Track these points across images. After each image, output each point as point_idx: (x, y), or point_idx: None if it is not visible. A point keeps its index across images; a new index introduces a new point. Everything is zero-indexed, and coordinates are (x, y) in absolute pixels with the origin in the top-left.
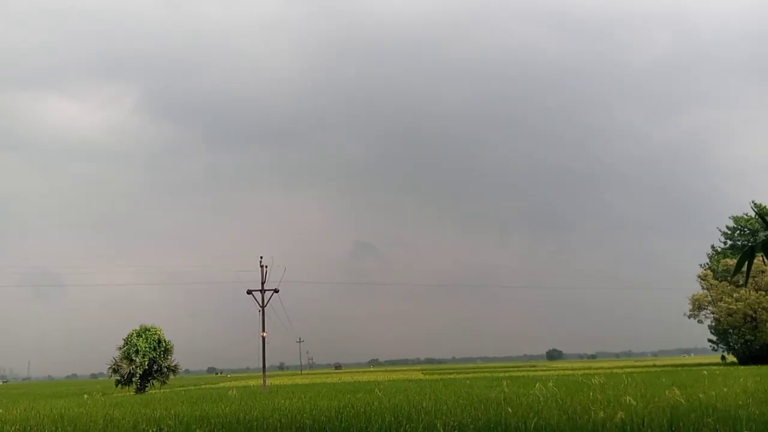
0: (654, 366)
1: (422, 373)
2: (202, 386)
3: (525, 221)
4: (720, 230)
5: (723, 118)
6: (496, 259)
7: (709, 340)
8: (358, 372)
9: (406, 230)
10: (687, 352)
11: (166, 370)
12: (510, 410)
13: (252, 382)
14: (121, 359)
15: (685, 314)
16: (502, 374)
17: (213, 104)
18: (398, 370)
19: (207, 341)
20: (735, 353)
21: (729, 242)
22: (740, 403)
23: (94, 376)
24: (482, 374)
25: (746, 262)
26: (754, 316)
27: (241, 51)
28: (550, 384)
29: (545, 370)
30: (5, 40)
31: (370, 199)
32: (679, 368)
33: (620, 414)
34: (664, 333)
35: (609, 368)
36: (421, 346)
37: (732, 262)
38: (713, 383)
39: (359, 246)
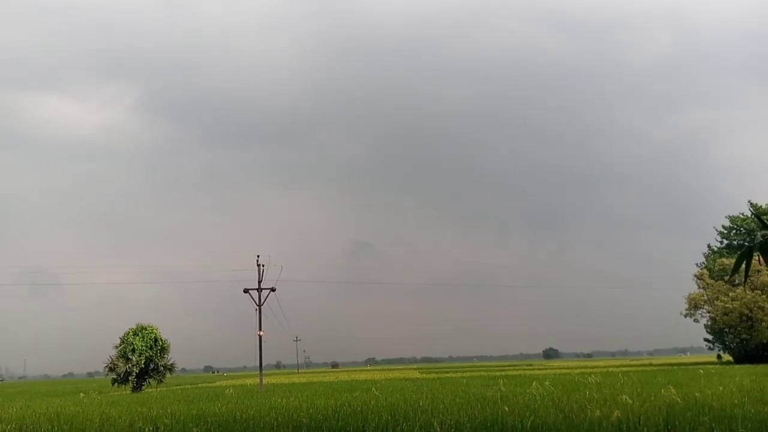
0: (650, 365)
1: (419, 371)
2: (199, 385)
3: (523, 221)
4: (716, 230)
5: (723, 118)
6: (493, 259)
7: (705, 339)
8: (355, 371)
9: (405, 230)
10: (683, 351)
11: (162, 368)
12: (506, 409)
13: (249, 381)
14: (117, 358)
15: (681, 313)
16: (498, 373)
17: (212, 104)
18: (395, 369)
19: (204, 340)
20: (731, 352)
21: (725, 242)
22: (736, 401)
23: (90, 374)
24: (479, 373)
25: (744, 262)
26: (749, 315)
27: (240, 50)
28: (547, 383)
29: (542, 369)
30: (4, 39)
31: (370, 198)
32: (675, 367)
33: (616, 413)
34: (660, 332)
35: (605, 367)
36: (417, 344)
37: (728, 261)
38: (709, 382)
39: (357, 245)
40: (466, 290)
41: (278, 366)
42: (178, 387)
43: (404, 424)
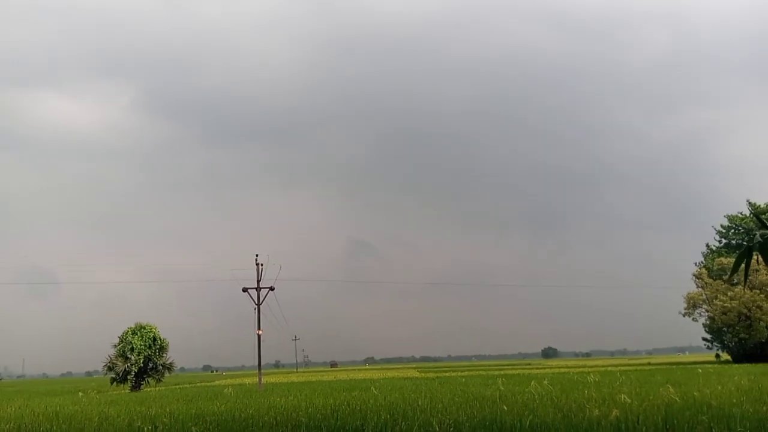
0: (649, 364)
1: (418, 371)
2: (198, 384)
3: (523, 221)
4: (715, 229)
5: (723, 118)
6: (492, 259)
7: (704, 339)
8: (354, 370)
9: (404, 229)
10: (681, 350)
11: (161, 367)
12: (505, 408)
13: (247, 380)
14: (116, 357)
15: (679, 312)
16: (497, 372)
17: (212, 103)
18: (394, 368)
19: (202, 339)
20: (729, 351)
21: (724, 241)
22: (734, 401)
23: (89, 373)
24: (477, 372)
25: (744, 262)
26: (748, 314)
27: (240, 50)
28: (545, 382)
29: (540, 368)
30: (3, 38)
31: (369, 198)
32: (674, 366)
33: (615, 412)
34: (658, 331)
35: (604, 366)
36: (416, 344)
37: (726, 260)
38: (707, 381)
39: (356, 245)
40: (465, 290)
41: (277, 365)
42: (176, 386)
43: (403, 423)
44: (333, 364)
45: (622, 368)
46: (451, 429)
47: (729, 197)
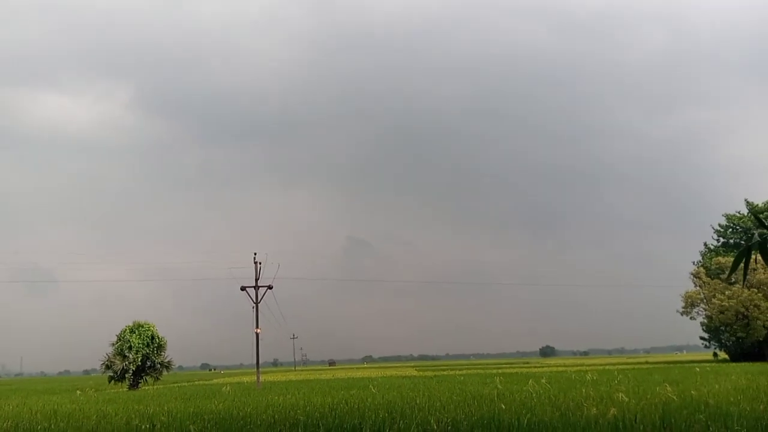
0: (646, 363)
1: (416, 369)
2: (196, 382)
3: (520, 219)
4: (713, 228)
5: (723, 117)
6: (491, 257)
7: (701, 338)
8: (352, 368)
9: (403, 228)
10: (679, 349)
11: (159, 366)
12: (503, 407)
13: (245, 379)
14: (114, 355)
15: (677, 311)
16: (495, 371)
17: (210, 101)
18: (392, 367)
19: (201, 337)
20: (727, 350)
21: (722, 240)
22: (732, 399)
23: (86, 372)
24: (475, 371)
25: (743, 261)
26: (745, 313)
27: (239, 48)
28: (543, 381)
29: (538, 367)
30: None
31: (368, 196)
32: (672, 365)
33: (613, 410)
34: (656, 330)
35: (602, 365)
36: (414, 342)
37: (724, 260)
38: (705, 380)
39: (354, 243)
40: (463, 288)
41: (275, 364)
42: (174, 384)
43: (401, 422)
44: (331, 363)
45: (620, 367)
46: (449, 427)
47: (728, 197)
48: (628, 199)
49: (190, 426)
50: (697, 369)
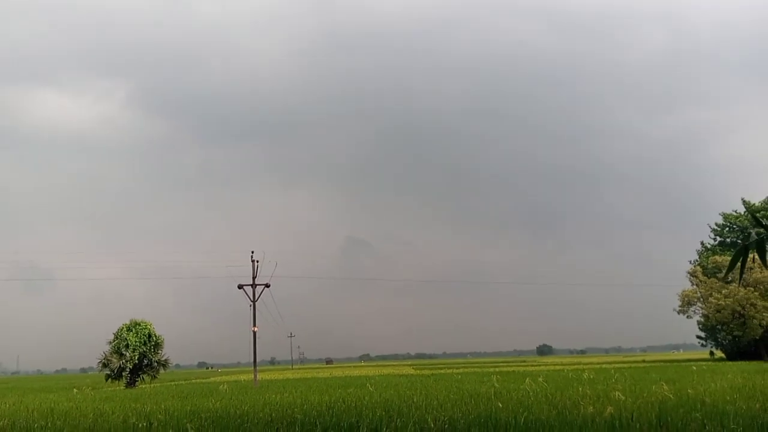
0: (643, 361)
1: (413, 368)
2: (193, 381)
3: (520, 219)
4: (710, 227)
5: (723, 117)
6: (489, 257)
7: (698, 337)
8: (349, 367)
9: (402, 228)
10: (676, 347)
11: (156, 364)
12: (500, 405)
13: (243, 377)
14: (111, 353)
15: (674, 310)
16: (492, 369)
17: (210, 101)
18: (389, 365)
19: (198, 336)
20: (723, 349)
21: (719, 239)
22: (728, 398)
23: (83, 370)
24: (473, 369)
25: (740, 260)
26: (742, 312)
27: (239, 48)
28: (540, 379)
29: (535, 366)
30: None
31: (367, 196)
32: (668, 364)
33: (609, 409)
34: (653, 329)
35: (598, 363)
36: (412, 341)
37: (721, 259)
38: (701, 379)
39: (353, 242)
40: (461, 287)
41: (272, 362)
42: (171, 383)
43: (398, 420)
44: (328, 361)
45: (617, 366)
46: (446, 426)
47: (728, 196)
48: (627, 199)
49: (187, 424)
50: (694, 368)
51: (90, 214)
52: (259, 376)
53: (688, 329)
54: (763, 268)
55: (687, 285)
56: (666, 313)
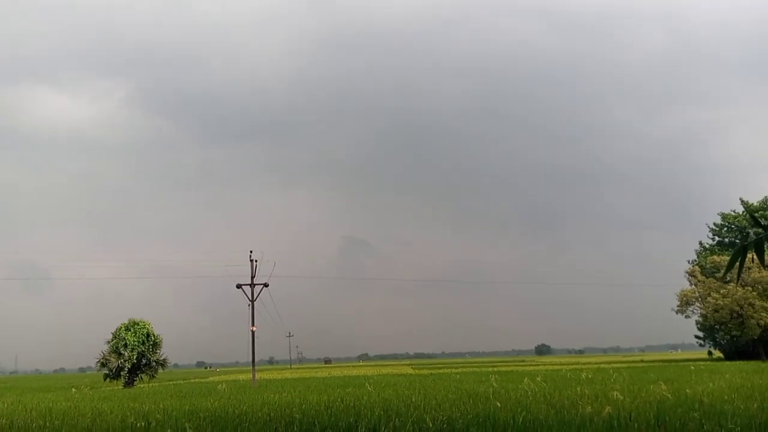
0: (641, 361)
1: (411, 367)
2: (191, 380)
3: (520, 219)
4: (708, 227)
5: (722, 117)
6: (489, 257)
7: (696, 336)
8: (348, 366)
9: (402, 228)
10: (674, 347)
11: (154, 364)
12: (499, 405)
13: (241, 377)
14: (109, 353)
15: (672, 310)
16: (490, 369)
17: (210, 100)
18: (388, 365)
19: (196, 335)
20: (721, 349)
21: (717, 239)
22: (726, 398)
23: (82, 370)
24: (471, 369)
25: (739, 260)
26: (740, 312)
27: (238, 47)
28: (539, 379)
29: (534, 365)
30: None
31: (367, 196)
32: (666, 364)
33: (608, 409)
34: (651, 329)
35: (597, 363)
36: (410, 340)
37: (719, 258)
38: (699, 378)
39: (352, 242)
40: (459, 287)
41: (271, 362)
42: (170, 382)
43: (397, 420)
44: (327, 361)
45: (615, 365)
46: (445, 425)
47: (727, 196)
48: (627, 199)
49: (186, 424)
50: (692, 367)
51: (89, 214)
52: (258, 376)
53: (687, 329)
54: (762, 267)
55: (685, 285)
56: (664, 313)
